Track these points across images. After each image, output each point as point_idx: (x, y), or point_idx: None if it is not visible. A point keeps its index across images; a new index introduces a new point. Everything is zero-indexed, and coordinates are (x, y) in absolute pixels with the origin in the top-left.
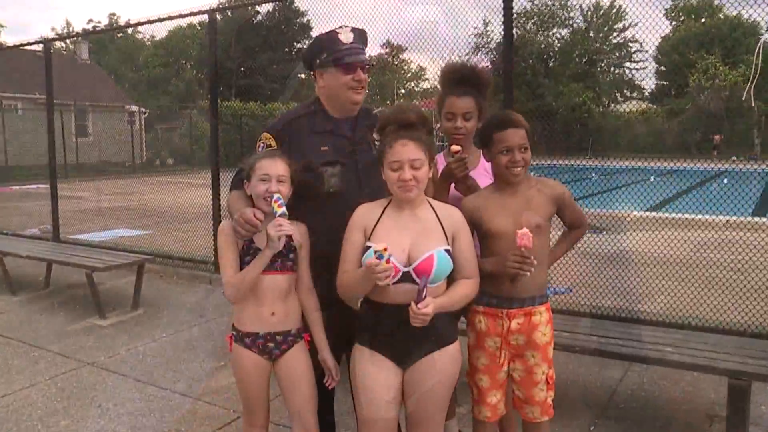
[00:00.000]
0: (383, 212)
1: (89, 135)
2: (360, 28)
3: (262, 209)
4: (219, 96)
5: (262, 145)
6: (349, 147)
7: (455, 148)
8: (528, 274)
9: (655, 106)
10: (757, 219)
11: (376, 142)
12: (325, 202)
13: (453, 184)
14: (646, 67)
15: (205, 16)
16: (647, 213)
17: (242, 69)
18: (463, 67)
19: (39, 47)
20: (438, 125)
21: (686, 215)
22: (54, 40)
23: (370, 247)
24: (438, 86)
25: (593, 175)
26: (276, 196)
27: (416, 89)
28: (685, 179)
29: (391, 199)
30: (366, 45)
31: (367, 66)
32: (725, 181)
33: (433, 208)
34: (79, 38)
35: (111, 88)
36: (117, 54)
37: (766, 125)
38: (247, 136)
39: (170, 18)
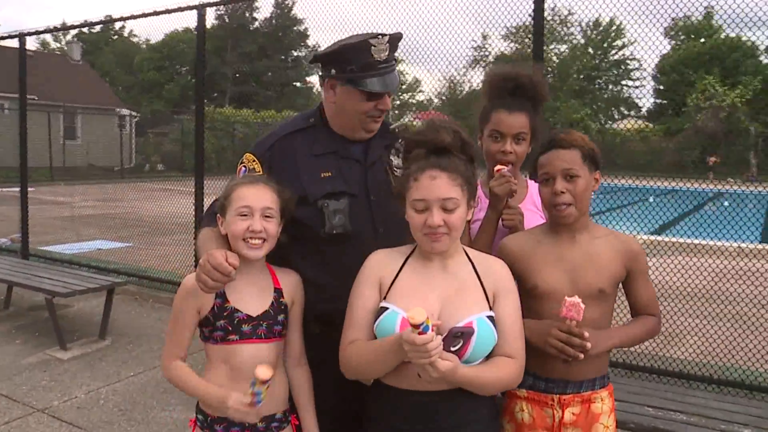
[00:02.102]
0: (405, 263)
1: (78, 138)
2: (396, 34)
3: (240, 253)
4: (212, 102)
5: (243, 169)
6: (361, 174)
7: (501, 167)
8: (571, 360)
9: (652, 125)
10: None
11: (395, 169)
12: (326, 246)
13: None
14: (644, 86)
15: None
16: (652, 237)
17: (237, 75)
18: (519, 75)
19: (34, 46)
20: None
21: (696, 240)
22: (29, 34)
23: (386, 308)
24: (432, 98)
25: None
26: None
27: (411, 101)
28: (685, 200)
29: (415, 246)
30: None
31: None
32: (726, 203)
33: (470, 260)
34: (66, 37)
35: (103, 90)
36: (111, 56)
37: (763, 146)
38: (240, 143)
39: (156, 13)
